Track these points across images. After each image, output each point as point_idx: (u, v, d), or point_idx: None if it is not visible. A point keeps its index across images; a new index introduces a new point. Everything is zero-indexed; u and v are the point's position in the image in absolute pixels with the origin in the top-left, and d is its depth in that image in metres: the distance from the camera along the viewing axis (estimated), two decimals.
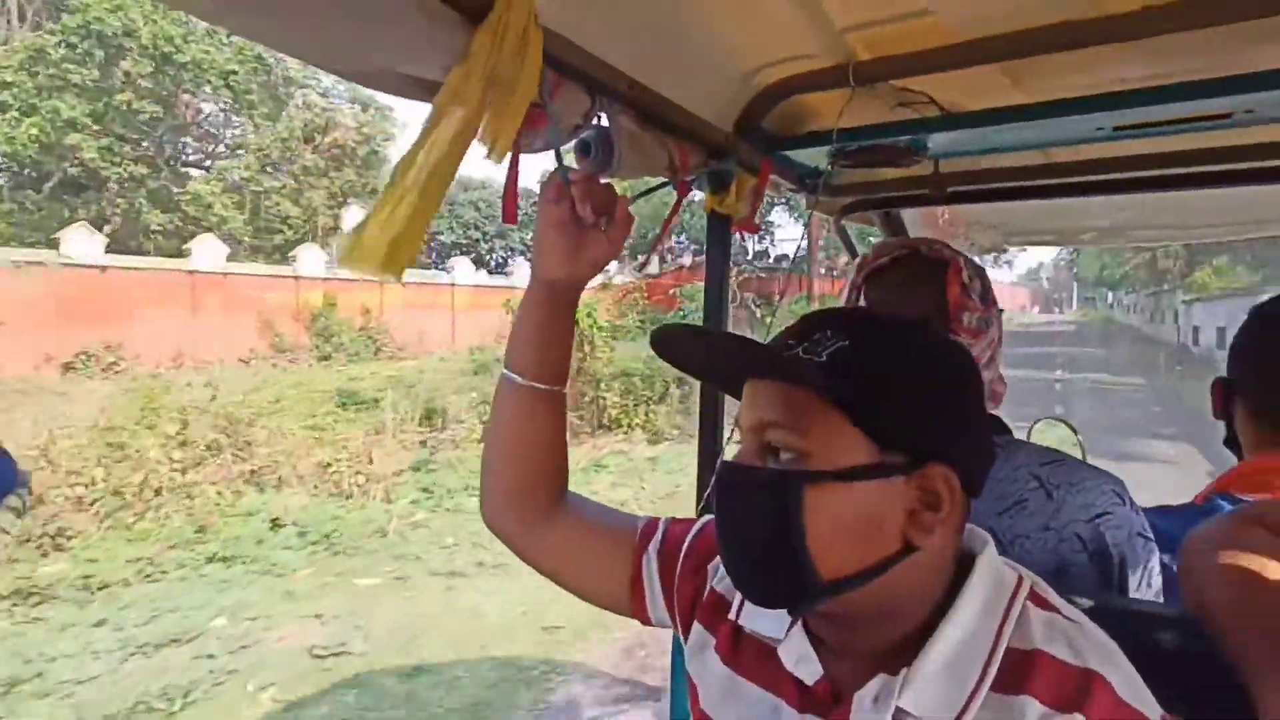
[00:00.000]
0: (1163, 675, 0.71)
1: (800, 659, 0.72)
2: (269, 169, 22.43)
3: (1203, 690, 0.73)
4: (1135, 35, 1.03)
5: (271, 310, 17.06)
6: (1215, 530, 0.86)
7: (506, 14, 0.65)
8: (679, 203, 1.21)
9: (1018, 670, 0.62)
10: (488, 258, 33.55)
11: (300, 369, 15.49)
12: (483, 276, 23.61)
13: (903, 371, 0.65)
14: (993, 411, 1.20)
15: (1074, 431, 1.75)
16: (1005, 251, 2.28)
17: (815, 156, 1.57)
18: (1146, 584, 1.09)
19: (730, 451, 0.75)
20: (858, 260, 1.22)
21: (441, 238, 32.70)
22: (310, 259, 18.21)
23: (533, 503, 0.91)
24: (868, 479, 0.63)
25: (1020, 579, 0.68)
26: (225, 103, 22.95)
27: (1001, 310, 1.18)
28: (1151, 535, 1.12)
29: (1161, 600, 1.08)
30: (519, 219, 0.79)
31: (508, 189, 0.78)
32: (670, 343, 0.73)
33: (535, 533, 0.91)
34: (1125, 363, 24.04)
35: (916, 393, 0.65)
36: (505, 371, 0.89)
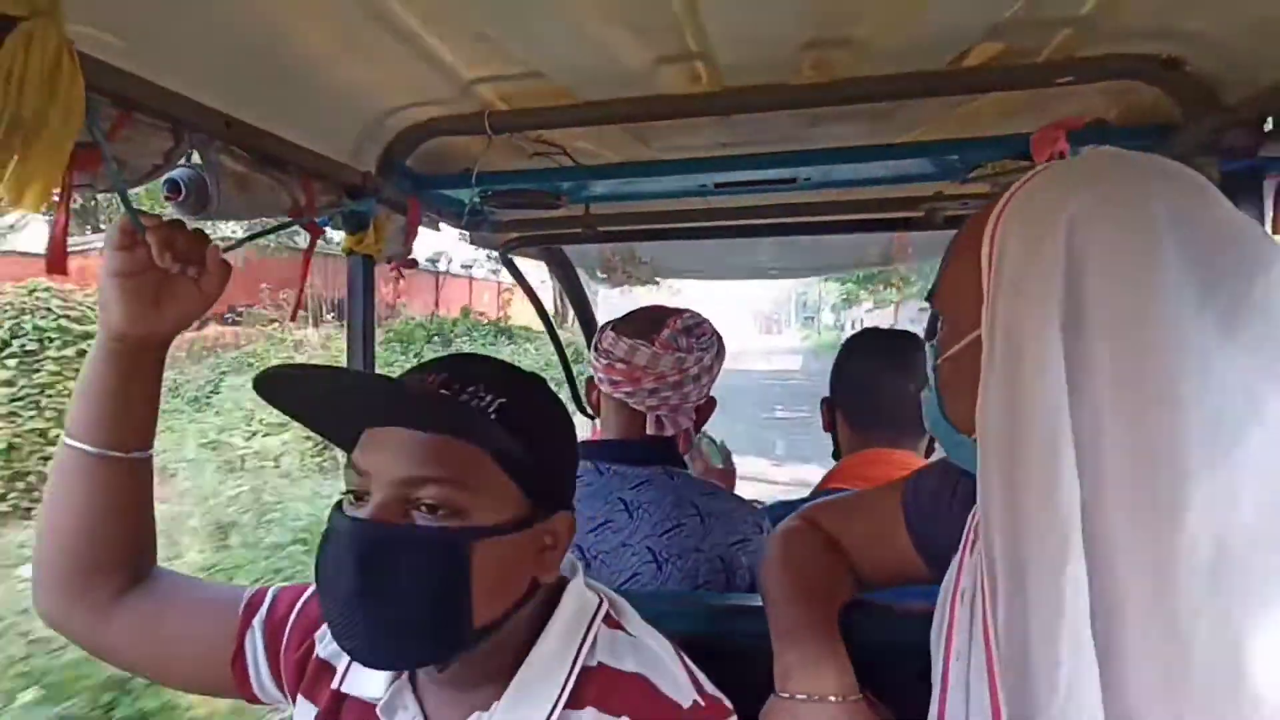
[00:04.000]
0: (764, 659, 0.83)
1: (401, 713, 0.72)
2: None
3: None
4: (715, 111, 1.22)
5: None
6: (779, 525, 1.03)
7: (24, 45, 0.57)
8: (312, 244, 1.16)
9: (585, 685, 0.69)
10: None
11: None
12: None
13: (549, 430, 0.72)
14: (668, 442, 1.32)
15: (718, 447, 2.00)
16: (658, 284, 2.53)
17: (470, 192, 1.61)
18: None
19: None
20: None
21: None
22: None
23: (104, 586, 0.80)
24: (521, 530, 0.67)
25: (600, 603, 0.76)
26: None
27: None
28: None
29: None
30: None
31: (54, 237, 0.68)
32: (286, 381, 0.65)
33: (109, 620, 0.80)
34: None
35: (556, 449, 0.72)
36: (68, 440, 0.77)
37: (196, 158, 0.87)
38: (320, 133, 1.14)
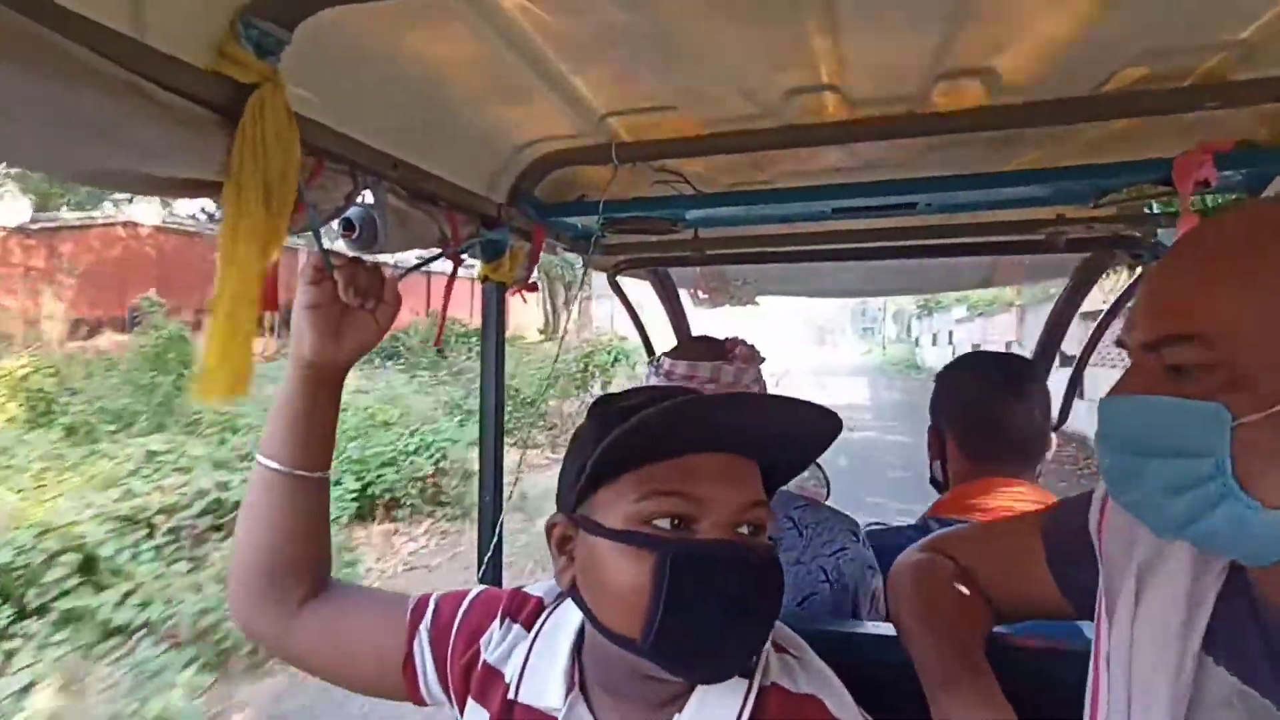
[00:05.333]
0: (887, 687, 0.84)
1: None
2: None
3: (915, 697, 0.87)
4: (842, 140, 1.23)
5: None
6: (905, 555, 1.03)
7: (261, 112, 0.64)
8: (454, 274, 1.22)
9: (763, 703, 0.72)
10: None
11: None
12: None
13: None
14: None
15: (821, 469, 1.99)
16: (758, 304, 2.58)
17: (587, 219, 1.66)
18: (875, 609, 1.28)
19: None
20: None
21: None
22: None
23: (291, 594, 0.87)
24: None
25: None
26: None
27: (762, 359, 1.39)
28: (878, 567, 1.31)
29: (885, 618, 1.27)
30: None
31: (268, 279, 0.75)
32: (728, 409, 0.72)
33: (294, 626, 0.87)
34: None
35: None
36: (261, 459, 0.85)
37: (368, 197, 0.94)
38: (464, 168, 1.21)
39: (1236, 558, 0.66)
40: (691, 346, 1.39)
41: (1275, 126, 1.20)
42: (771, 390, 1.37)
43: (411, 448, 7.42)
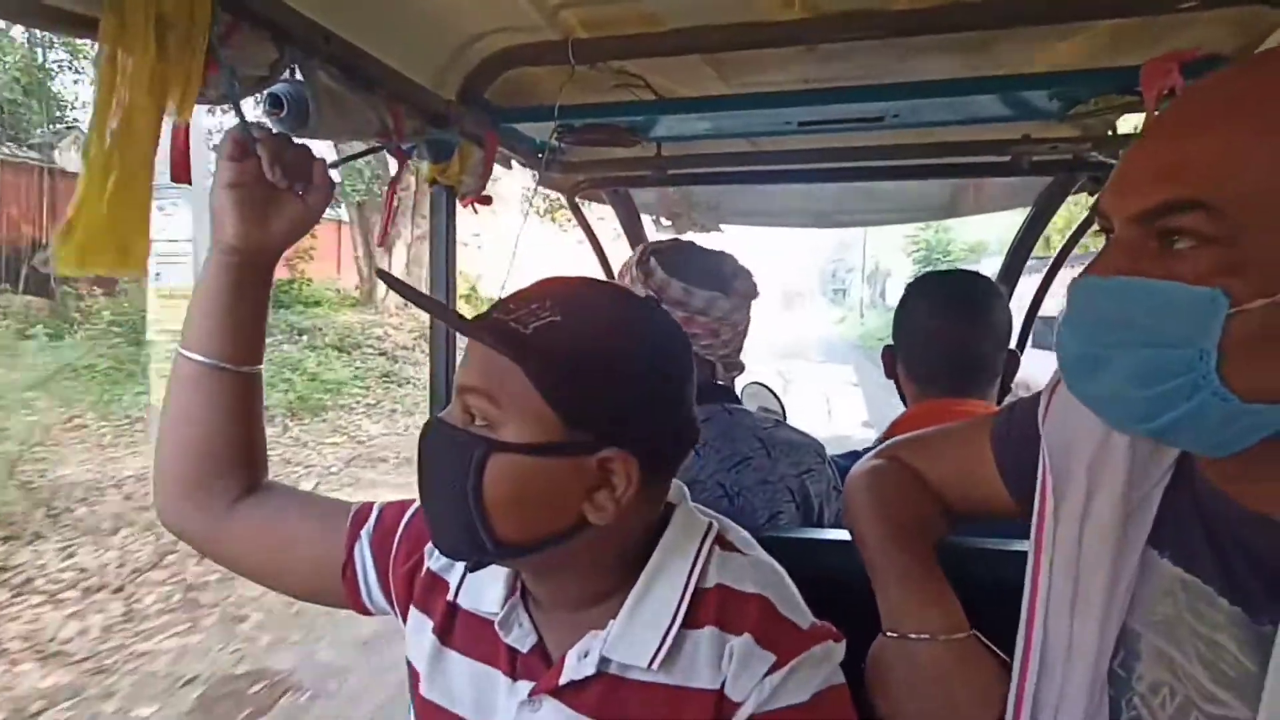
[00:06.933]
0: (847, 591, 0.84)
1: (516, 629, 0.74)
2: None
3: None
4: (808, 40, 1.18)
5: None
6: (860, 463, 1.02)
7: None
8: (400, 171, 1.16)
9: (702, 605, 0.69)
10: None
11: None
12: None
13: (600, 356, 0.65)
14: (723, 383, 1.34)
15: (775, 395, 1.99)
16: (722, 230, 2.48)
17: (544, 131, 1.59)
18: (838, 526, 1.29)
19: None
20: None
21: None
22: None
23: (222, 495, 0.83)
24: (550, 456, 0.64)
25: (710, 525, 0.75)
26: None
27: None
28: (842, 487, 1.32)
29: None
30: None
31: (175, 143, 0.69)
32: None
33: (226, 528, 0.83)
34: None
35: (608, 378, 0.65)
36: (184, 351, 0.80)
37: (298, 76, 0.88)
38: (408, 56, 1.13)
39: (1193, 450, 0.62)
40: (691, 262, 1.27)
41: (1242, 39, 1.18)
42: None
43: None
